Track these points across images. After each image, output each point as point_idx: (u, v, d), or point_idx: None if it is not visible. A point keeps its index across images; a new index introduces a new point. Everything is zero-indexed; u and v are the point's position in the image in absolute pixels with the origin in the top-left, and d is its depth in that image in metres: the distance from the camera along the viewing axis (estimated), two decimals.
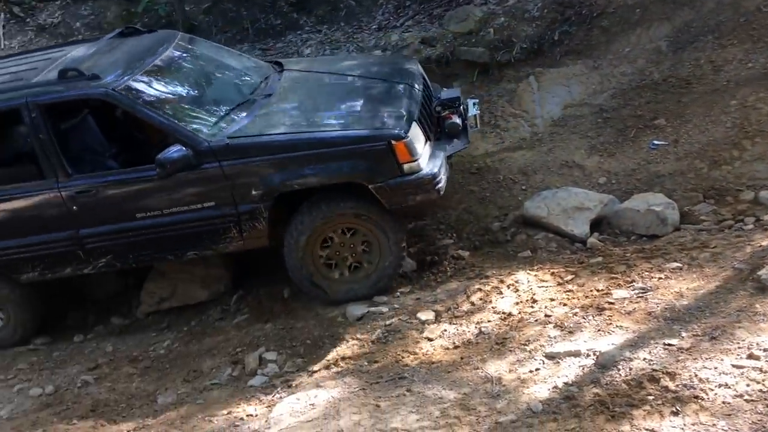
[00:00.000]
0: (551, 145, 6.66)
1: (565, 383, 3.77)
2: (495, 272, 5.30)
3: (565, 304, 4.60)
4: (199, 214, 5.03)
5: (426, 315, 4.89)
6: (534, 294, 4.82)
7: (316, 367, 4.62)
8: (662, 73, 6.78)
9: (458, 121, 5.44)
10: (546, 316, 4.52)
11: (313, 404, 4.06)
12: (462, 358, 4.29)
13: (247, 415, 4.22)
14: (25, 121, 5.02)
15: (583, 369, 3.84)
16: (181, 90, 5.40)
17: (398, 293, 5.41)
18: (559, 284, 4.88)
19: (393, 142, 4.83)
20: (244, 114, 5.20)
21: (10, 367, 5.39)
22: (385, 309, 5.15)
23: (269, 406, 4.25)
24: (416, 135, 4.99)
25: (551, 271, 5.09)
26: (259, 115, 5.20)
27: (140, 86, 5.10)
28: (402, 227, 5.35)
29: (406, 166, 4.87)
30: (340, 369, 4.52)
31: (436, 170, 4.99)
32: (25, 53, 6.49)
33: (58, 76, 5.04)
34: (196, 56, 5.79)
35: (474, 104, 5.80)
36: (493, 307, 4.80)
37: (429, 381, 4.08)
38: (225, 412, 4.30)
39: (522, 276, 5.09)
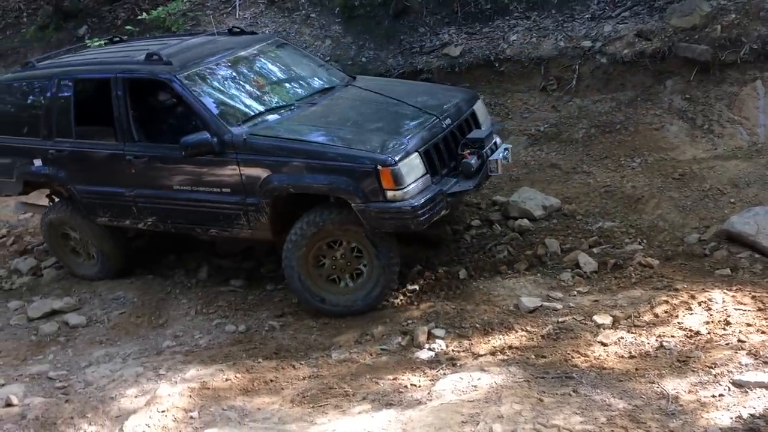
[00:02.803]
0: None
1: (751, 415, 3.47)
2: (686, 286, 4.98)
3: (763, 332, 4.22)
4: (218, 197, 5.52)
5: (603, 319, 4.74)
6: (728, 316, 4.46)
7: (482, 351, 4.66)
8: None
9: (473, 162, 5.33)
10: (739, 341, 4.18)
11: (475, 386, 4.11)
12: (637, 369, 4.10)
13: (411, 384, 4.38)
14: (112, 90, 5.84)
15: None
16: (233, 86, 5.85)
17: (575, 292, 5.27)
18: (760, 310, 4.49)
19: (379, 167, 4.90)
20: (275, 117, 5.56)
21: (212, 303, 6.02)
22: (559, 306, 5.06)
23: (432, 380, 4.37)
24: (412, 165, 5.01)
25: (752, 294, 4.69)
26: (287, 120, 5.52)
27: (199, 77, 5.68)
28: (393, 247, 5.33)
29: (389, 193, 4.93)
30: (506, 357, 4.52)
31: (418, 204, 4.96)
32: (158, 38, 7.58)
33: (144, 59, 5.83)
34: (273, 60, 6.26)
35: (505, 149, 5.62)
36: (678, 323, 4.52)
37: (598, 386, 3.95)
38: (391, 377, 4.49)
39: (717, 295, 4.74)
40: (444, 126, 5.42)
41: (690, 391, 3.78)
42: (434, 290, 5.67)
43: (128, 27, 9.63)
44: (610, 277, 5.40)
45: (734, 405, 3.59)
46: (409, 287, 5.75)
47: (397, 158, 4.93)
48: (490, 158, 5.46)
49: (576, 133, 7.40)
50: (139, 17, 9.79)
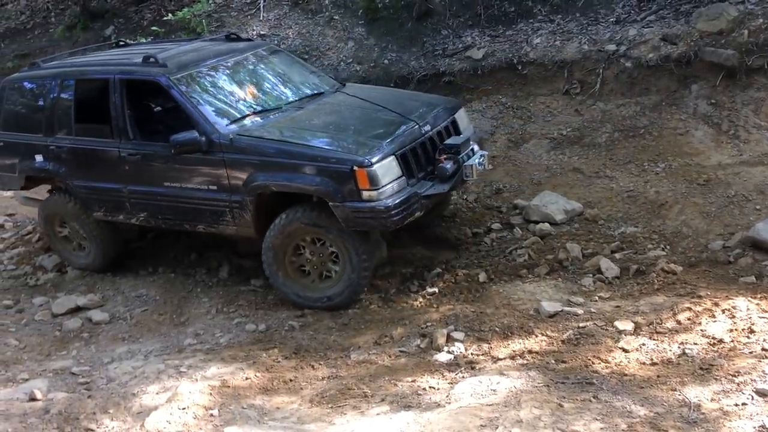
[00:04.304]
0: None
1: None
2: (709, 293, 4.93)
3: None
4: (205, 194, 5.76)
5: (624, 325, 4.70)
6: (753, 324, 4.41)
7: (501, 355, 4.65)
8: None
9: (448, 167, 5.54)
10: (763, 349, 4.13)
11: (494, 390, 4.10)
12: (659, 377, 4.06)
13: (430, 387, 4.37)
14: (110, 90, 6.11)
15: None
16: (224, 89, 6.09)
17: (596, 297, 5.24)
18: None
19: (355, 168, 5.12)
20: (262, 119, 5.80)
21: (233, 301, 6.07)
22: (580, 311, 5.03)
23: (451, 383, 4.36)
24: (388, 168, 5.23)
25: None
26: (272, 122, 5.74)
27: (192, 79, 5.93)
28: (367, 245, 5.50)
29: (365, 193, 5.14)
30: (525, 362, 4.50)
31: (391, 204, 5.16)
32: (162, 42, 7.89)
33: (142, 61, 6.08)
34: (265, 66, 6.49)
35: (481, 156, 5.83)
36: (701, 330, 4.47)
37: (619, 392, 3.91)
38: (410, 379, 4.49)
39: (741, 302, 4.68)
40: (422, 132, 5.66)
41: (712, 400, 3.74)
42: (454, 293, 5.67)
43: (154, 28, 9.76)
44: (633, 283, 5.36)
45: (757, 414, 3.54)
46: (429, 290, 5.76)
47: (373, 160, 5.16)
48: (466, 164, 5.65)
49: (599, 137, 7.34)
50: (165, 18, 9.91)
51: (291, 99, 6.19)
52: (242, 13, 9.94)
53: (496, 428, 3.60)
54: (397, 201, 5.21)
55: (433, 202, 5.61)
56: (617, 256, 5.77)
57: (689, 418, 3.60)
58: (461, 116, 6.22)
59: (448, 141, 5.77)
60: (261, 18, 9.67)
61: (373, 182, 5.14)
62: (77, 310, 6.29)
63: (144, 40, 8.93)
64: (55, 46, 11.26)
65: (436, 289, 5.73)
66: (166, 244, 7.09)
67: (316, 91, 6.36)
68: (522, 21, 8.42)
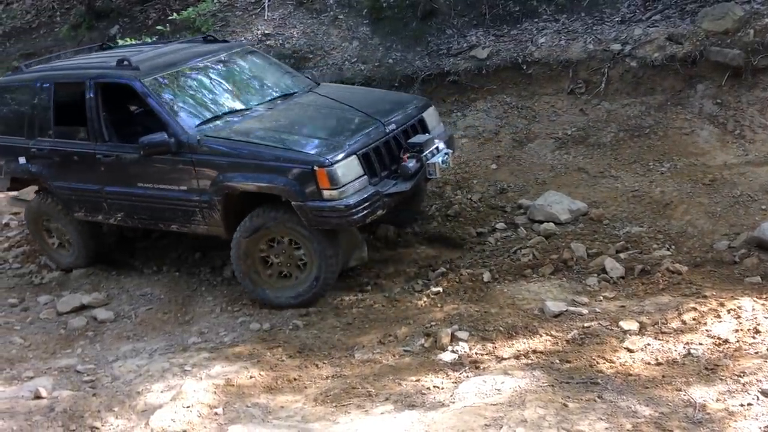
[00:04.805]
0: None
1: None
2: (715, 293, 4.91)
3: None
4: (176, 194, 5.87)
5: (629, 325, 4.69)
6: (758, 324, 4.39)
7: (505, 355, 4.64)
8: None
9: (410, 165, 5.62)
10: None
11: (499, 389, 4.09)
12: (664, 377, 4.05)
13: (434, 386, 4.37)
14: (85, 92, 6.21)
15: None
16: (196, 91, 6.17)
17: (601, 297, 5.23)
18: None
19: (316, 168, 5.21)
20: (230, 120, 5.88)
21: (237, 300, 6.08)
22: (585, 311, 5.02)
23: (455, 383, 4.36)
24: (349, 167, 5.31)
25: None
26: (240, 123, 5.83)
27: (164, 81, 6.01)
28: (331, 244, 5.57)
29: (326, 192, 5.23)
30: (530, 361, 4.49)
31: (352, 203, 5.25)
32: (143, 44, 7.91)
33: (116, 64, 6.17)
34: (239, 67, 6.58)
35: (446, 154, 5.89)
36: (707, 330, 4.45)
37: (623, 392, 3.90)
38: (414, 378, 4.49)
39: (746, 302, 4.66)
40: (387, 131, 5.74)
41: (718, 400, 3.73)
42: (458, 292, 5.66)
43: (159, 27, 9.77)
44: (638, 283, 5.35)
45: (763, 414, 3.53)
46: (433, 289, 5.75)
47: (333, 160, 5.26)
48: (429, 162, 5.71)
49: (604, 136, 7.33)
50: (170, 17, 9.92)
51: (262, 100, 6.28)
52: (247, 13, 9.95)
53: (501, 428, 3.60)
54: (358, 200, 5.30)
55: (396, 201, 5.68)
56: (622, 256, 5.76)
57: (694, 418, 3.59)
58: (430, 115, 6.28)
59: (412, 140, 5.85)
60: (266, 17, 9.68)
61: (334, 182, 5.23)
62: (82, 308, 6.31)
63: (143, 41, 8.96)
64: (60, 45, 11.28)
65: (441, 289, 5.73)
66: (171, 244, 7.11)
67: (287, 92, 6.46)
68: (527, 20, 8.41)
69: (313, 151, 5.38)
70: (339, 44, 9.11)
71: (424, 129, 6.11)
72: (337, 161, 5.27)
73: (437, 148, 5.90)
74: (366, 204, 5.34)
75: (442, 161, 5.81)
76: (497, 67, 8.15)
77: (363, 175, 5.41)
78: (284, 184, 5.33)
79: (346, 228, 5.60)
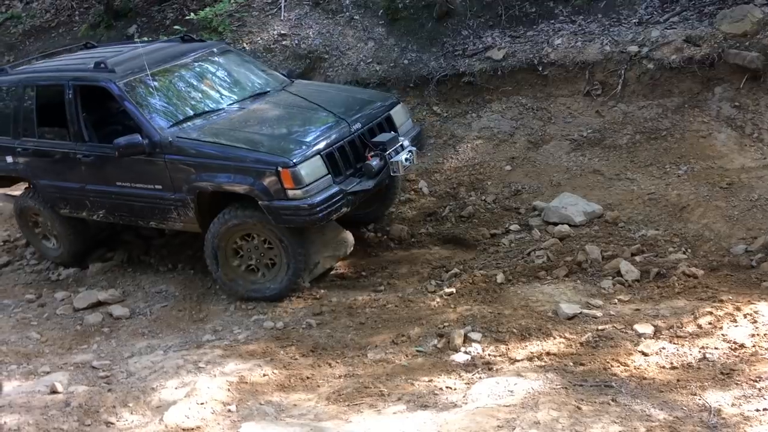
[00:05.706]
0: None
1: None
2: (731, 298, 4.87)
3: None
4: (152, 192, 6.07)
5: (644, 328, 4.66)
6: None
7: (519, 357, 4.63)
8: None
9: (374, 164, 5.76)
10: None
11: (512, 391, 4.08)
12: (678, 381, 4.03)
13: (447, 387, 4.37)
14: (65, 94, 6.37)
15: None
16: (170, 92, 6.33)
17: (616, 300, 5.20)
18: None
19: (280, 168, 5.39)
20: (202, 121, 6.05)
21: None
22: (599, 313, 4.99)
23: (468, 384, 4.35)
24: (312, 167, 5.49)
25: None
26: (211, 124, 6.00)
27: (138, 83, 6.16)
28: (299, 241, 5.76)
29: (290, 192, 5.41)
30: (543, 363, 4.48)
31: (315, 202, 5.43)
32: (128, 44, 7.85)
33: (93, 67, 6.33)
34: (214, 66, 6.73)
35: (410, 152, 5.98)
36: (723, 335, 4.42)
37: (638, 396, 3.89)
38: (426, 379, 4.49)
39: (763, 307, 4.64)
40: (352, 130, 5.90)
41: (733, 405, 3.70)
42: (471, 294, 5.66)
43: (176, 27, 9.81)
44: (653, 286, 5.31)
45: None
46: (446, 290, 5.75)
47: (296, 160, 5.43)
48: (392, 160, 5.84)
49: (620, 139, 7.29)
50: (187, 17, 9.97)
51: (234, 99, 6.42)
52: (263, 13, 9.98)
53: (513, 429, 3.59)
54: (320, 199, 5.46)
55: (361, 198, 5.82)
56: (637, 258, 5.72)
57: (709, 422, 3.57)
58: (397, 113, 6.40)
59: (375, 138, 5.97)
60: (282, 18, 9.70)
61: (298, 181, 5.40)
62: (98, 304, 6.38)
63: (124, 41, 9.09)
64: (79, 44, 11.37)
65: (454, 290, 5.72)
66: (186, 242, 7.15)
67: (260, 91, 6.59)
68: (543, 22, 8.37)
69: (278, 153, 5.53)
70: (354, 45, 9.12)
71: (392, 127, 6.25)
72: (301, 162, 5.44)
73: (401, 146, 6.03)
74: (330, 202, 5.52)
75: (406, 159, 5.93)
76: (513, 69, 8.12)
77: (327, 175, 5.58)
78: (251, 184, 5.51)
79: (311, 226, 5.73)
